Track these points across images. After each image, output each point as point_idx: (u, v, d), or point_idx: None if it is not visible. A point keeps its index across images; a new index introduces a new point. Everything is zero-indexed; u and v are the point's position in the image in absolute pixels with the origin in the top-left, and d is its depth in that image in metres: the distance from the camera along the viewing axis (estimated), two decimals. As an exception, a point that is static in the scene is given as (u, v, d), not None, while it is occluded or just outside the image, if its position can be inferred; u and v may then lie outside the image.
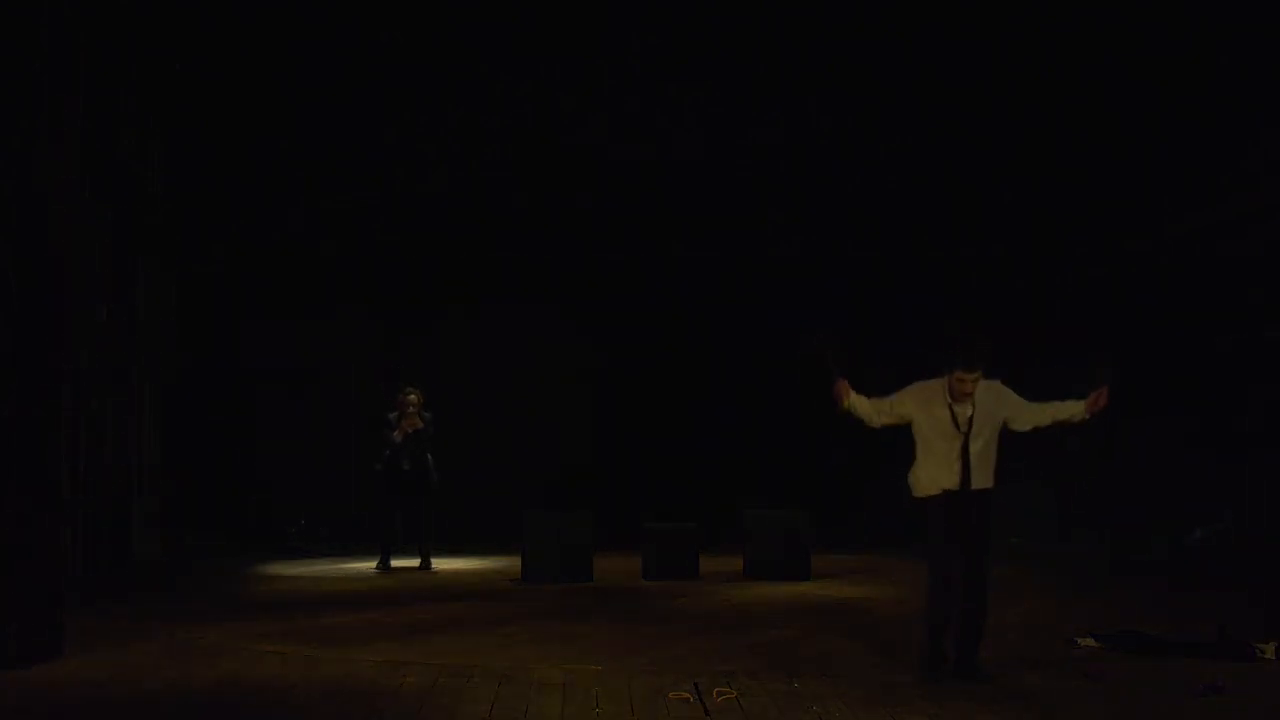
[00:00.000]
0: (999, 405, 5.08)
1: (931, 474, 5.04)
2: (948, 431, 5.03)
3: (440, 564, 9.15)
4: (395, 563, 9.05)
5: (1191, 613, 6.18)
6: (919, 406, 5.08)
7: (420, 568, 9.01)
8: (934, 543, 5.02)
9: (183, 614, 6.52)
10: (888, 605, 6.59)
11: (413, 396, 9.07)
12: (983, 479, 5.04)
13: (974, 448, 5.02)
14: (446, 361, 10.91)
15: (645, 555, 8.51)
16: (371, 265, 11.36)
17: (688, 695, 4.34)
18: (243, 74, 10.04)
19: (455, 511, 9.74)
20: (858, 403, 5.15)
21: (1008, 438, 5.17)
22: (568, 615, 6.62)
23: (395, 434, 9.02)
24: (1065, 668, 4.79)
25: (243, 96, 10.23)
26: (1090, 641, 5.32)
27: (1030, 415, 5.12)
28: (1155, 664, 4.92)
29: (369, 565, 9.12)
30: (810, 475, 10.61)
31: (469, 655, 5.16)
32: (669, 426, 11.25)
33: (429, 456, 9.08)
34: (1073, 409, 5.09)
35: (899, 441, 5.34)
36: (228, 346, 11.06)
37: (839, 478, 10.75)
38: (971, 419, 4.99)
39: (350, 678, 4.68)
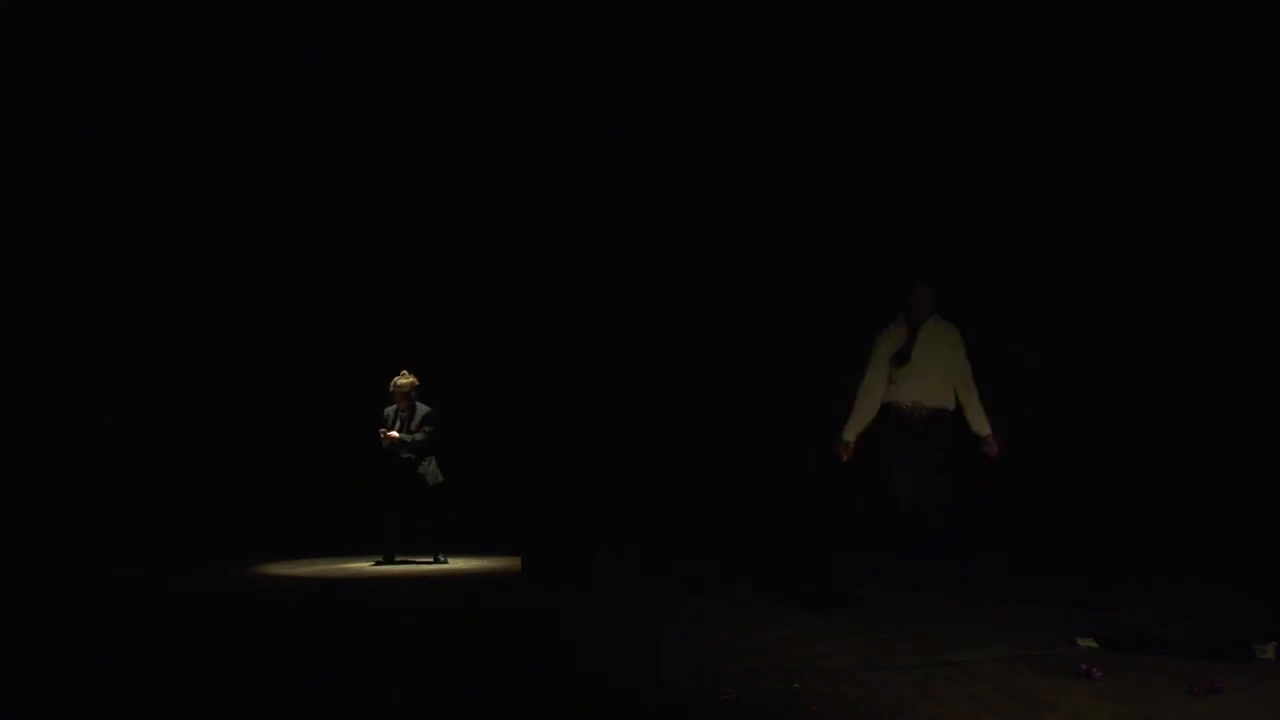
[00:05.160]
0: (952, 350, 5.38)
1: (891, 392, 5.30)
2: (903, 348, 5.31)
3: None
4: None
5: (1191, 613, 6.18)
6: (889, 345, 5.38)
7: (435, 561, 9.21)
8: (884, 457, 5.25)
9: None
10: (885, 604, 6.56)
11: (403, 381, 9.11)
12: (938, 397, 5.29)
13: (928, 369, 5.28)
14: (444, 360, 10.93)
15: (644, 556, 8.58)
16: (368, 263, 11.40)
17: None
18: (242, 72, 10.07)
19: (454, 511, 9.79)
20: (854, 427, 5.44)
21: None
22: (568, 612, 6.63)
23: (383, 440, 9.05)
24: (1065, 668, 4.79)
25: (242, 95, 10.25)
26: (1090, 641, 5.32)
27: (966, 386, 5.40)
28: (1155, 664, 4.91)
29: (362, 564, 9.21)
30: (805, 476, 10.62)
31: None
32: (668, 427, 11.27)
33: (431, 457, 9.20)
34: (982, 429, 5.37)
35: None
36: (224, 346, 11.10)
37: (833, 479, 10.76)
38: (925, 337, 5.28)
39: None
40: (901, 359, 5.42)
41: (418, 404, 9.23)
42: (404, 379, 9.15)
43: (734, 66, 10.34)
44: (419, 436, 9.13)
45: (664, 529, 10.48)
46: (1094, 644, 5.29)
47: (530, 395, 11.32)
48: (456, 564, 9.34)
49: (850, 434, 5.50)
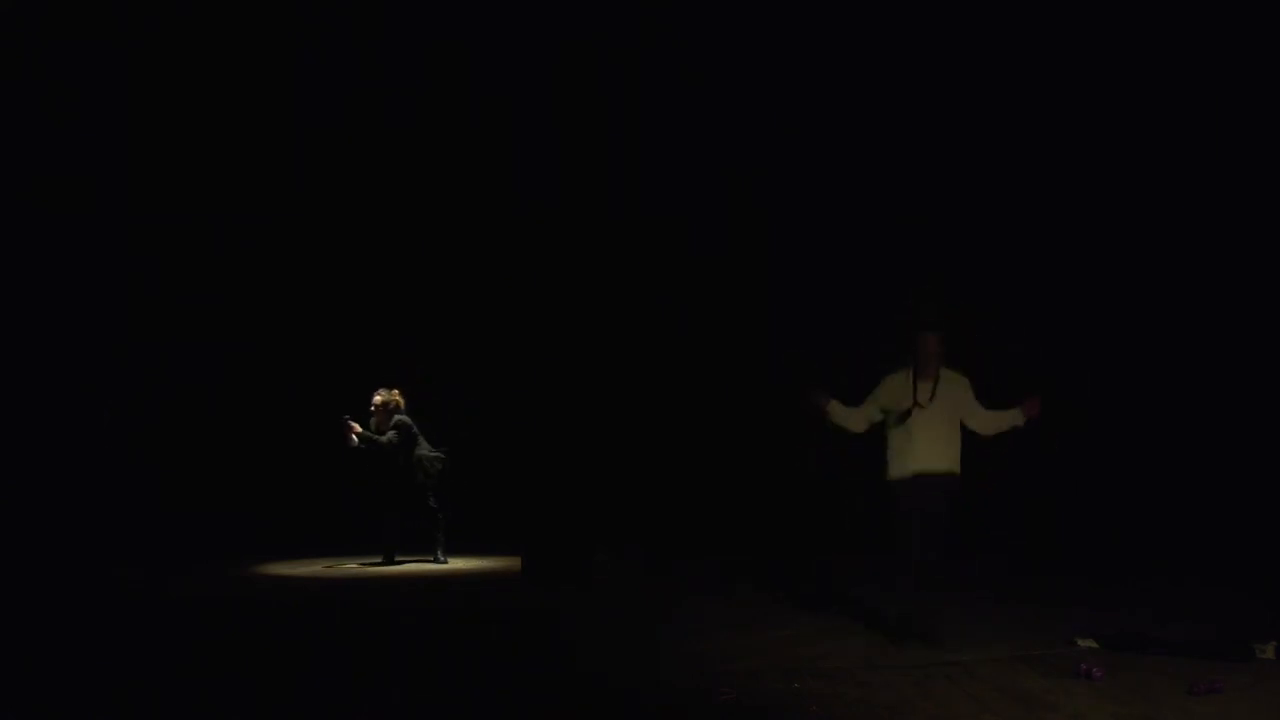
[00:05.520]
0: (960, 394, 5.45)
1: (900, 455, 5.36)
2: (909, 405, 5.37)
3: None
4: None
5: (1191, 613, 6.18)
6: (890, 393, 5.44)
7: (434, 561, 9.28)
8: (899, 525, 5.36)
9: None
10: (885, 604, 6.58)
11: (376, 399, 9.25)
12: (947, 461, 5.34)
13: (935, 423, 5.33)
14: (444, 360, 10.94)
15: (644, 556, 8.59)
16: (368, 263, 11.40)
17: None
18: (242, 72, 10.08)
19: (454, 511, 9.80)
20: (837, 411, 5.52)
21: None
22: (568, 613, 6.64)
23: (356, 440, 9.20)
24: (1065, 668, 4.79)
25: (242, 95, 10.26)
26: (1090, 641, 5.33)
27: (984, 417, 5.47)
28: (1155, 664, 4.91)
29: (362, 564, 9.23)
30: (805, 476, 10.62)
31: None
32: (667, 427, 11.27)
33: (417, 451, 9.24)
34: (1013, 417, 5.43)
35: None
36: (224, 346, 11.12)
37: (828, 479, 10.77)
38: (933, 393, 5.32)
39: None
40: (901, 418, 5.46)
41: (395, 416, 9.32)
42: (377, 396, 9.32)
43: (734, 66, 10.33)
44: (391, 435, 9.20)
45: (664, 529, 10.48)
46: (1094, 644, 5.29)
47: (530, 396, 11.32)
48: (456, 564, 9.34)
49: (832, 411, 5.59)
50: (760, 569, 8.44)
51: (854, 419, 5.62)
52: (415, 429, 9.33)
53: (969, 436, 5.57)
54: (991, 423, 5.53)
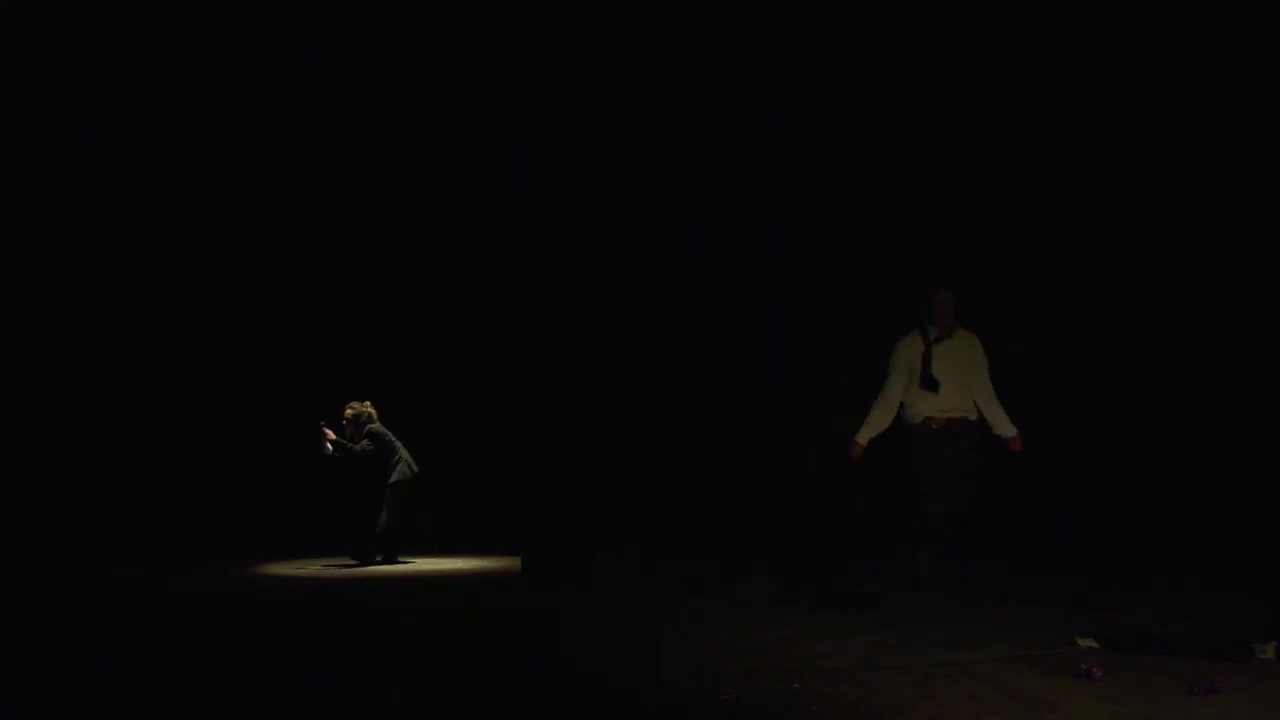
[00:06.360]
0: (974, 352, 5.52)
1: (921, 401, 5.43)
2: (926, 370, 5.45)
3: (440, 563, 9.25)
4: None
5: (1191, 613, 6.18)
6: (909, 355, 5.52)
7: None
8: (918, 472, 5.41)
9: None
10: (884, 605, 6.58)
11: (348, 411, 9.35)
12: (964, 407, 5.42)
13: (953, 372, 5.40)
14: (444, 360, 10.95)
15: (644, 556, 8.60)
16: (368, 263, 11.41)
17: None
18: (242, 72, 10.08)
19: (453, 511, 9.82)
20: (871, 433, 5.56)
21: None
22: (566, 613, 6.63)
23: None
24: (1065, 668, 4.78)
25: (242, 95, 10.26)
26: (1090, 641, 5.32)
27: (984, 391, 5.53)
28: (1155, 664, 4.91)
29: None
30: (805, 476, 10.61)
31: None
32: (667, 427, 11.27)
33: (394, 460, 9.33)
34: (1006, 430, 5.51)
35: (886, 445, 5.60)
36: (224, 346, 11.11)
37: (828, 479, 10.77)
38: (944, 354, 5.40)
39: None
40: (929, 383, 5.53)
41: (369, 428, 9.40)
42: (348, 410, 9.41)
43: (734, 66, 10.33)
44: (364, 444, 9.30)
45: (664, 529, 10.49)
46: (1094, 644, 5.29)
47: (530, 395, 11.32)
48: (456, 564, 9.36)
49: (863, 438, 5.65)
50: (760, 569, 8.43)
51: (887, 413, 5.70)
52: (390, 437, 9.40)
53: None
54: (987, 407, 5.62)
